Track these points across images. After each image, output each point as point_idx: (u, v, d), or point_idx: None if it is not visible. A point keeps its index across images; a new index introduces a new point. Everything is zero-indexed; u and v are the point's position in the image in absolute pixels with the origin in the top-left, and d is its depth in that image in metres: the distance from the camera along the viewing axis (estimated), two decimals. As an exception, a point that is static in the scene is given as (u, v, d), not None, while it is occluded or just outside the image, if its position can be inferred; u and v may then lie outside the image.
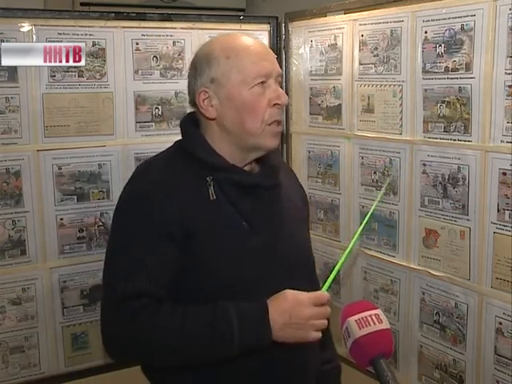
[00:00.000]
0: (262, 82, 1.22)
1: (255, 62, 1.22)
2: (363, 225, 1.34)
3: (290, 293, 1.16)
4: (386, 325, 1.01)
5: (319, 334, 1.17)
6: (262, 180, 1.28)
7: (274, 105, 1.23)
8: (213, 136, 1.26)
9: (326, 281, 1.20)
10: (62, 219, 1.81)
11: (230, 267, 1.20)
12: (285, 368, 1.25)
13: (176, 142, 1.32)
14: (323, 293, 1.18)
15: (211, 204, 1.21)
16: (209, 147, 1.25)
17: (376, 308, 1.04)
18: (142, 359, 1.24)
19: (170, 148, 1.32)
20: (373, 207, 1.45)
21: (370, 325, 1.00)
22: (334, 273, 1.20)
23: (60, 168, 1.79)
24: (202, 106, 1.24)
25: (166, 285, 1.17)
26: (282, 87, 1.30)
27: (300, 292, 1.17)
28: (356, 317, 1.01)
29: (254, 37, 1.34)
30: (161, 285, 1.16)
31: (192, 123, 1.29)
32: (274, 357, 1.20)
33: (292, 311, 1.13)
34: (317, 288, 1.36)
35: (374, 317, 1.01)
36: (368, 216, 1.34)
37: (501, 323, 1.49)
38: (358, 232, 1.32)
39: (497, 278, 1.49)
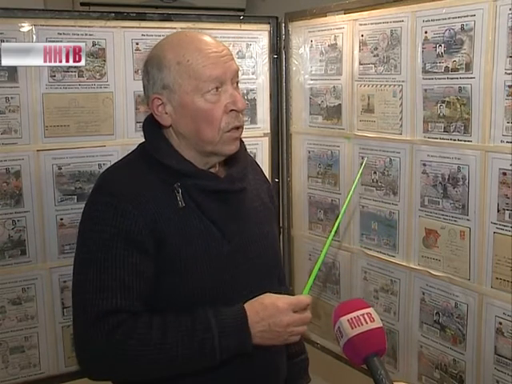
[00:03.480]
0: (217, 88, 1.15)
1: (206, 67, 1.14)
2: (341, 215, 1.37)
3: (268, 299, 1.13)
4: (378, 323, 1.01)
5: (297, 338, 1.15)
6: (229, 185, 1.24)
7: (231, 110, 1.17)
8: (174, 141, 1.22)
9: (307, 283, 1.17)
10: (61, 219, 1.81)
11: (203, 274, 1.17)
12: (259, 372, 1.23)
13: (140, 145, 1.27)
14: (304, 297, 1.14)
15: (180, 211, 1.17)
16: (174, 152, 1.21)
17: (368, 306, 1.04)
18: (123, 378, 1.19)
19: (133, 152, 1.28)
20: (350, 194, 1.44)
21: (362, 324, 1.00)
22: (313, 274, 1.18)
23: (60, 168, 1.79)
24: (156, 113, 1.20)
25: (141, 297, 1.13)
26: (237, 84, 1.22)
27: (279, 297, 1.14)
28: (348, 316, 1.01)
29: (210, 34, 1.23)
30: (136, 297, 1.12)
31: (156, 125, 1.23)
32: (246, 363, 1.16)
33: (271, 319, 1.11)
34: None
35: (366, 316, 1.01)
36: (345, 205, 1.37)
37: (501, 323, 1.49)
38: (337, 223, 1.32)
39: (497, 278, 1.49)
